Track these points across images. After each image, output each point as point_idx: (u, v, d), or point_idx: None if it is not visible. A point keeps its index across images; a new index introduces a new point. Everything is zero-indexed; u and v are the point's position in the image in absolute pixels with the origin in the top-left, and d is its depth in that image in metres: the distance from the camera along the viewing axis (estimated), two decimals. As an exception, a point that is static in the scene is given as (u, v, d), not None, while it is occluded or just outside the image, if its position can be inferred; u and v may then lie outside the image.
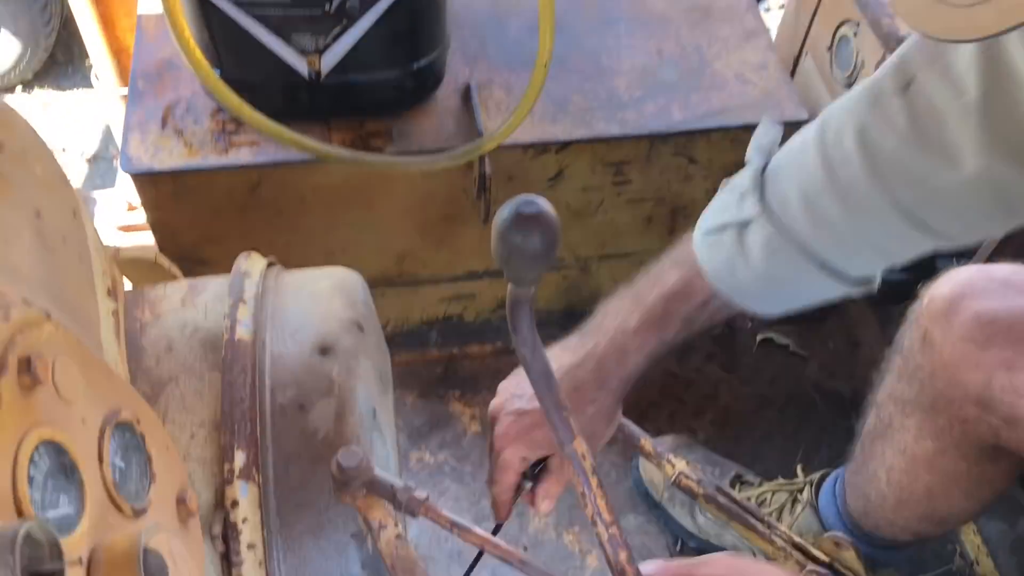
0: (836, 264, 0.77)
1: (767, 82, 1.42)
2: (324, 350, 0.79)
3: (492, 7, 1.52)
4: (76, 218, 0.74)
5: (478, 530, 0.65)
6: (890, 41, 1.30)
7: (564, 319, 1.72)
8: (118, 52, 1.79)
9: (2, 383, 0.47)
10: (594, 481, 0.65)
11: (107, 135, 2.35)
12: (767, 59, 1.45)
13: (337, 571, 0.73)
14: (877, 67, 1.38)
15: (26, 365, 0.49)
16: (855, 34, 1.40)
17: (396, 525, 0.70)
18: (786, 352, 1.71)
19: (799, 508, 1.32)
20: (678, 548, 1.46)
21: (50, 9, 2.43)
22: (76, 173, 2.27)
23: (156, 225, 1.37)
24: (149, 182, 1.28)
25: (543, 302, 1.65)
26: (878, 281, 0.82)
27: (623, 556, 0.64)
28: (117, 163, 2.01)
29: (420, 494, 0.67)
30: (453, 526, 0.65)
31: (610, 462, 1.54)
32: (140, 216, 1.72)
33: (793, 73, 1.61)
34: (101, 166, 2.33)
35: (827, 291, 0.80)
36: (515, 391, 0.91)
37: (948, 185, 0.68)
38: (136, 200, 1.64)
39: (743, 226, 0.77)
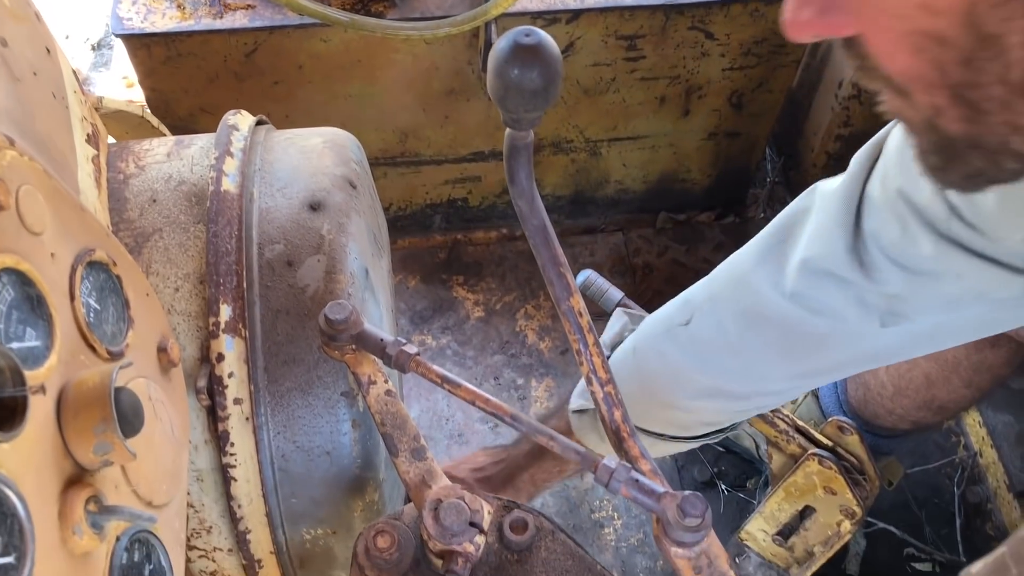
0: (674, 435, 0.88)
1: (792, -47, 1.33)
2: (314, 206, 0.76)
3: None
4: (51, 56, 0.70)
5: (468, 385, 0.63)
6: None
7: (572, 205, 1.69)
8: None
9: (-45, 201, 0.44)
10: (590, 339, 0.63)
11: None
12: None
13: (327, 428, 0.71)
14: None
15: (-17, 187, 0.46)
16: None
17: (386, 382, 0.68)
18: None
19: (800, 397, 1.30)
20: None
21: None
22: (80, 60, 2.22)
23: (150, 96, 1.33)
24: (141, 45, 1.23)
25: (550, 187, 1.61)
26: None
27: (618, 414, 0.62)
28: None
29: (410, 348, 0.65)
30: (444, 381, 0.63)
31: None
32: (138, 94, 1.67)
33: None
34: (105, 54, 2.28)
35: (679, 448, 0.90)
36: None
37: (740, 391, 0.81)
38: (133, 76, 1.58)
39: (583, 411, 0.90)
